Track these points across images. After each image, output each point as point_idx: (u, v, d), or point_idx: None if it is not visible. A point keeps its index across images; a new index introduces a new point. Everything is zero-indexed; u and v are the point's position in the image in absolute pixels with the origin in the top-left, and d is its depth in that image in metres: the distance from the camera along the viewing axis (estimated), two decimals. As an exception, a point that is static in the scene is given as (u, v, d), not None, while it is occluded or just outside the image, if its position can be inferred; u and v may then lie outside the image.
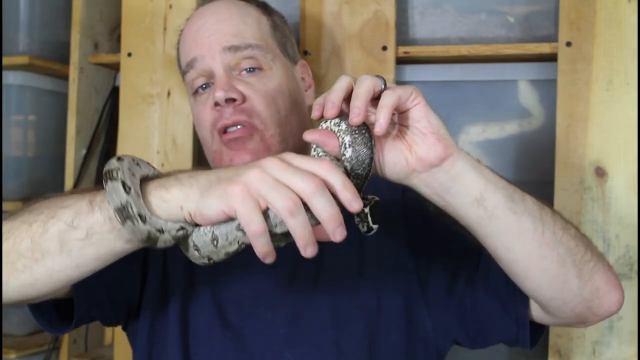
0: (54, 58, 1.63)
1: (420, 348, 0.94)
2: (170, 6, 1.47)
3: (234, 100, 0.95)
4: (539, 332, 0.91)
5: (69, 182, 1.57)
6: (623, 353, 1.19)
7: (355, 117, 0.67)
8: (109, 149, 1.67)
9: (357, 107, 0.67)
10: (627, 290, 1.19)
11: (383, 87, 0.70)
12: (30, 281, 0.71)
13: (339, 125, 0.71)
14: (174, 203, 0.66)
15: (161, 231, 0.67)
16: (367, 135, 0.70)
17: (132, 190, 0.66)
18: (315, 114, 0.70)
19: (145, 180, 0.69)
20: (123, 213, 0.65)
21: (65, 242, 0.69)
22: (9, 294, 0.72)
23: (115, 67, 1.61)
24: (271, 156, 0.66)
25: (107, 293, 0.91)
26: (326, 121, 0.72)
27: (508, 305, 0.88)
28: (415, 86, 0.70)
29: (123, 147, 1.49)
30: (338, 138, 0.71)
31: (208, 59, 0.98)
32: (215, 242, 0.67)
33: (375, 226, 0.72)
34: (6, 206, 1.58)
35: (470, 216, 0.74)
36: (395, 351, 0.93)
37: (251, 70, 0.99)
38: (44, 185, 1.66)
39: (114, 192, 0.65)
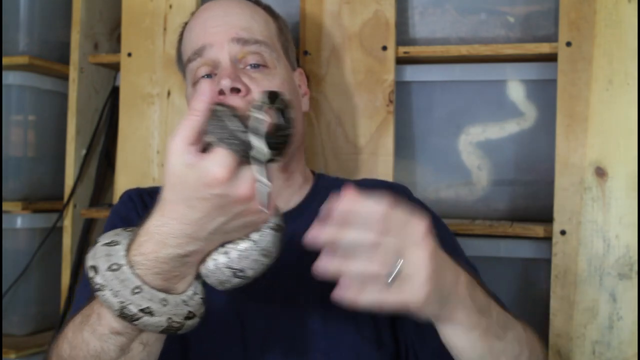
0: (54, 58, 1.63)
1: None
2: (170, 6, 1.47)
3: (238, 90, 0.95)
4: None
5: (69, 182, 1.57)
6: (623, 353, 1.19)
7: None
8: (109, 149, 1.67)
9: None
10: (627, 290, 1.19)
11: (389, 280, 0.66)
12: None
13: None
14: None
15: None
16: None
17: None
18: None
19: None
20: (126, 318, 0.67)
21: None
22: None
23: (115, 67, 1.61)
24: None
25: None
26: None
27: None
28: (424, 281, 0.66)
29: (123, 147, 1.49)
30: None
31: (216, 48, 0.99)
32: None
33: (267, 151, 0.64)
34: (6, 206, 1.58)
35: None
36: None
37: (256, 66, 0.99)
38: (44, 185, 1.66)
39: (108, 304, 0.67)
